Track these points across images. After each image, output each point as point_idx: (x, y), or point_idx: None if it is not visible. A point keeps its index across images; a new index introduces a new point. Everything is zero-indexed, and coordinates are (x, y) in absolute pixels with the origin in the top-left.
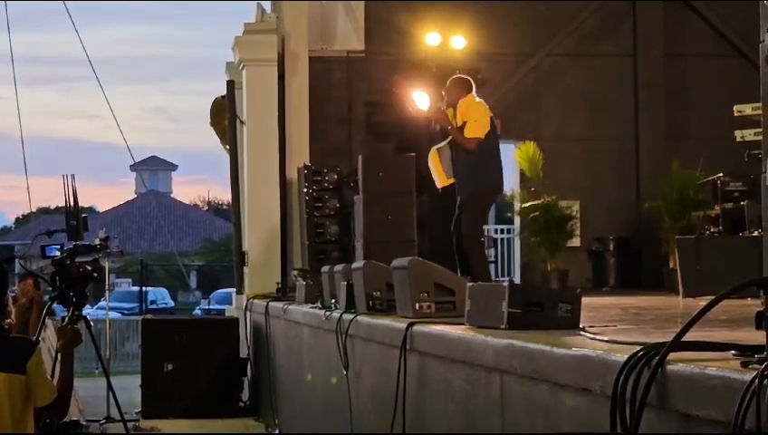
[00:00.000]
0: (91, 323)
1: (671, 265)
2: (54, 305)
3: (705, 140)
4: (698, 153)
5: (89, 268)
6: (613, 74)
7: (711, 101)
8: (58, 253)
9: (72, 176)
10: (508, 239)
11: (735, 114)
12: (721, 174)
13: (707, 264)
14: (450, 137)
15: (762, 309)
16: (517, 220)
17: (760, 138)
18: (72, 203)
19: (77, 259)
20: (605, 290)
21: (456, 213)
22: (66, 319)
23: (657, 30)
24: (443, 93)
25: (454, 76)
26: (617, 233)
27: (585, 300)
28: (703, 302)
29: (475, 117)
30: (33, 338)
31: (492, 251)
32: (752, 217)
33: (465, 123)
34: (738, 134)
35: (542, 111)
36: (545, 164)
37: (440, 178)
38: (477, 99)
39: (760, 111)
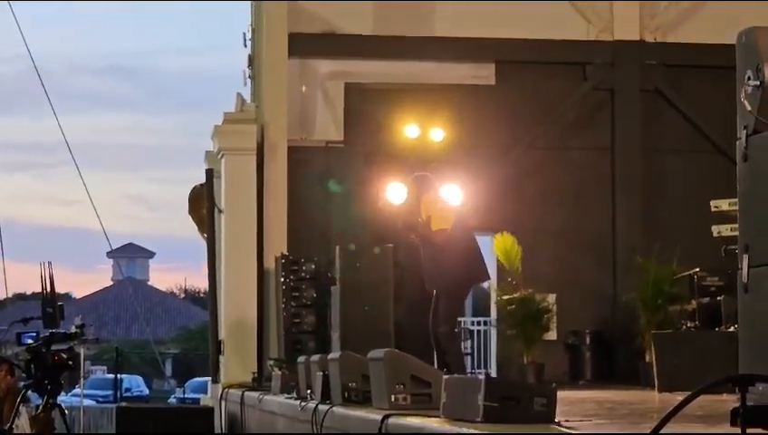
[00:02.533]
0: (66, 411)
1: (647, 359)
2: (29, 393)
3: (683, 234)
4: (675, 247)
5: (64, 356)
6: (591, 168)
7: (688, 195)
8: (33, 341)
9: (49, 263)
10: (485, 331)
11: (712, 209)
12: (698, 269)
13: (684, 358)
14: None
15: (737, 405)
16: (494, 312)
17: (736, 233)
18: (48, 290)
19: (53, 347)
20: (581, 383)
21: (432, 305)
22: (40, 407)
23: (635, 124)
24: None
25: (414, 175)
26: (593, 326)
27: (561, 394)
28: (679, 397)
29: (437, 211)
30: (6, 426)
31: (468, 343)
32: (728, 313)
33: (429, 218)
34: (715, 229)
35: (520, 204)
36: (523, 256)
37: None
38: (440, 195)
39: (736, 207)
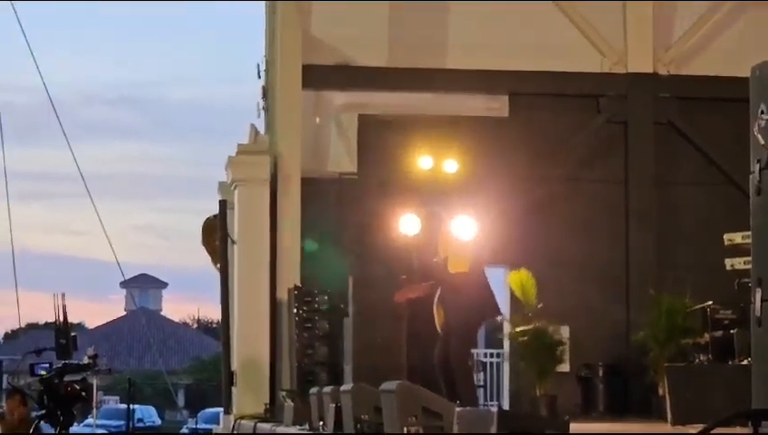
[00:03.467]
0: None
1: (660, 392)
2: (41, 423)
3: (696, 267)
4: (688, 280)
5: (77, 387)
6: (604, 200)
7: (701, 228)
8: (46, 372)
9: (63, 295)
10: (497, 363)
11: (726, 243)
12: (711, 302)
13: (697, 392)
14: None
15: None
16: (507, 344)
17: (750, 266)
18: (61, 322)
19: (65, 378)
20: (594, 416)
21: (441, 340)
22: None
23: (649, 157)
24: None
25: (426, 210)
26: (606, 359)
27: (573, 426)
28: (692, 430)
29: (454, 253)
30: None
31: (480, 375)
32: (741, 346)
33: (446, 259)
34: (728, 263)
35: (533, 237)
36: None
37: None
38: (454, 230)
39: (750, 240)
